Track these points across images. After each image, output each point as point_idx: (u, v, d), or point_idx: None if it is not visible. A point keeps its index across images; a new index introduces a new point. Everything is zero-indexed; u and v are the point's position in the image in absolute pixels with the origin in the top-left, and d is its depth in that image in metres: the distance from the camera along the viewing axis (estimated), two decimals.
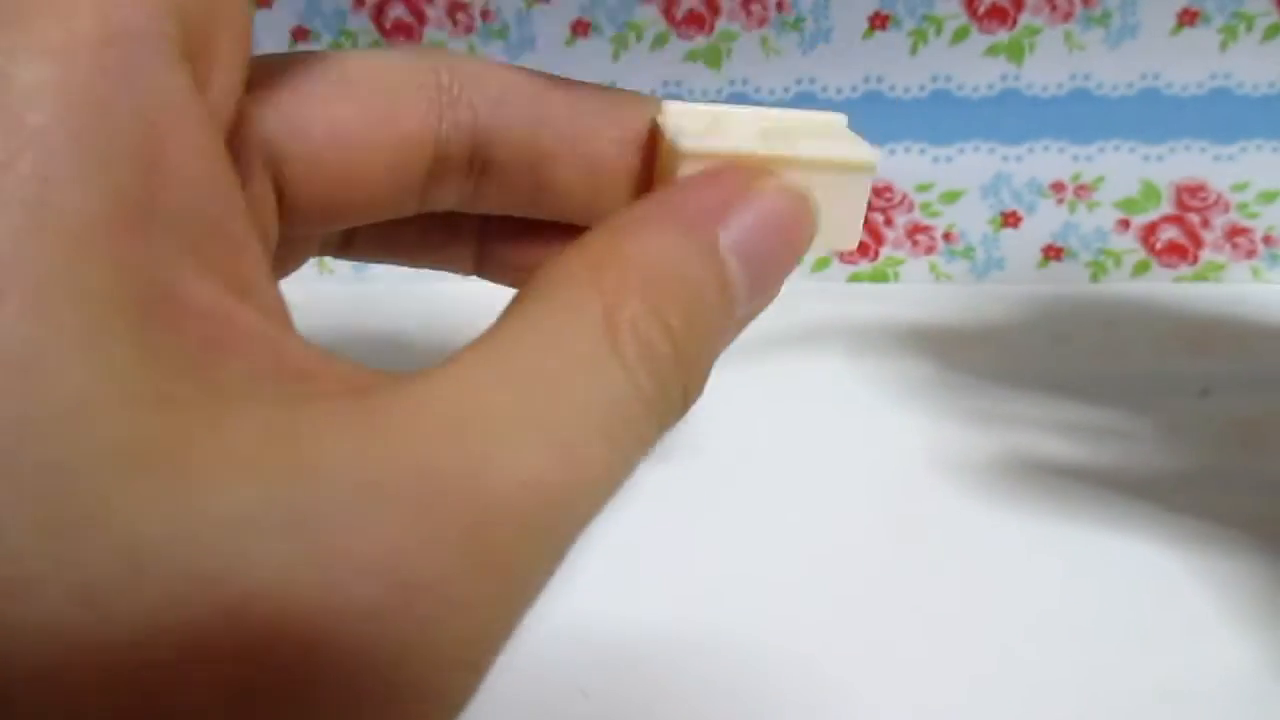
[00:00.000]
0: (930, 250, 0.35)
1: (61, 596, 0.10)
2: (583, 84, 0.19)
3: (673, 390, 0.15)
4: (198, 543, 0.11)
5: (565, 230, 0.20)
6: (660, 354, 0.14)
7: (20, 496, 0.10)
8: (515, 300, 0.15)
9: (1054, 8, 0.31)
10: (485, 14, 0.32)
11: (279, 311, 0.13)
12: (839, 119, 0.19)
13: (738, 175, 0.17)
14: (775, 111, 0.19)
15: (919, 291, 0.34)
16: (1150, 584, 0.25)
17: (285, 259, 0.20)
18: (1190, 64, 0.32)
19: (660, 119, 0.18)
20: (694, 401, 0.15)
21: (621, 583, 0.25)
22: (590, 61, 0.33)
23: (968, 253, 0.35)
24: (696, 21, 0.32)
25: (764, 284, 0.17)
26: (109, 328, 0.11)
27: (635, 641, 0.24)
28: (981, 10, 0.31)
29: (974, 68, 0.32)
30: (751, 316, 0.17)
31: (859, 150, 0.18)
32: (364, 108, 0.18)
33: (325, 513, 0.11)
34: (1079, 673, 0.23)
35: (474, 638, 0.12)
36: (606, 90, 0.19)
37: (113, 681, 0.11)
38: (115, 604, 0.11)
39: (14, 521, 0.10)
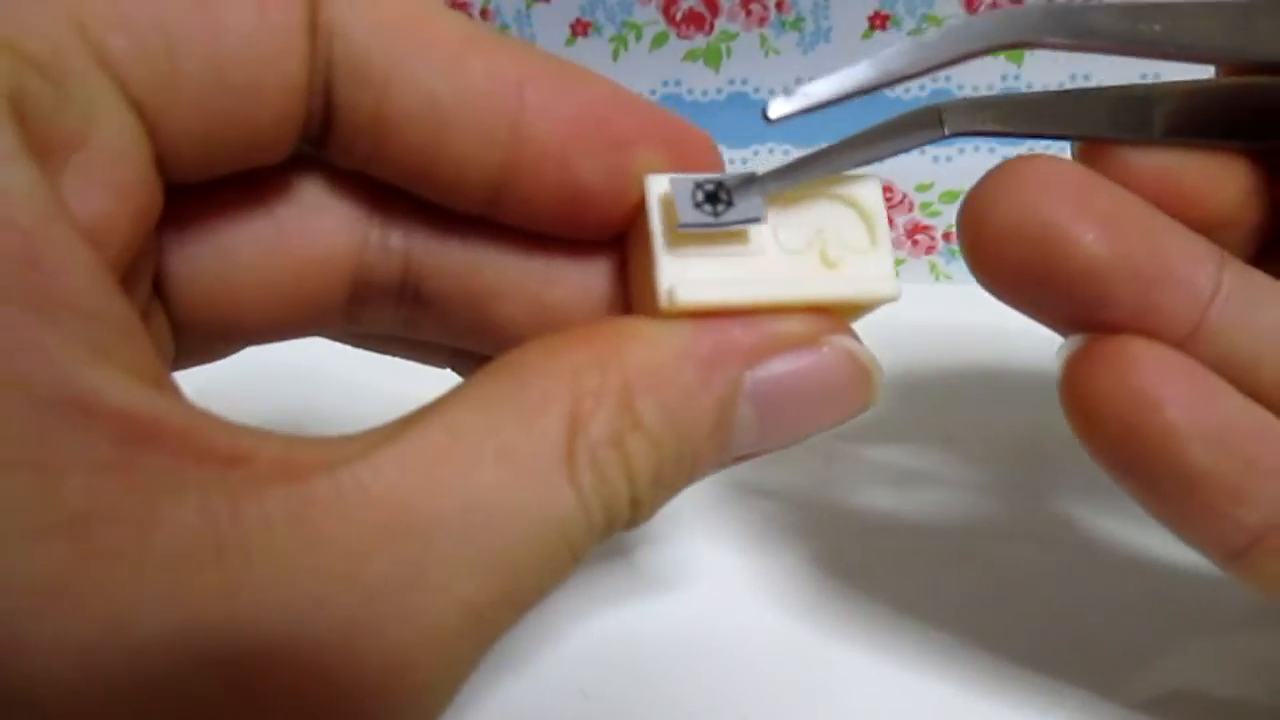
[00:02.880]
0: (930, 250, 0.35)
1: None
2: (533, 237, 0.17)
3: (620, 518, 0.14)
4: (100, 694, 0.10)
5: None
6: (617, 491, 0.13)
7: None
8: (484, 372, 0.14)
9: None
10: (484, 13, 0.32)
11: (189, 401, 0.12)
12: (870, 187, 0.17)
13: (803, 322, 0.15)
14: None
15: (919, 291, 0.34)
16: (1150, 579, 0.25)
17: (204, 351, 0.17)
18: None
19: (648, 196, 0.15)
20: (640, 525, 0.14)
21: (619, 583, 0.25)
22: (590, 61, 0.32)
23: None
24: (696, 21, 0.32)
25: (779, 437, 0.15)
26: (7, 461, 0.10)
27: (635, 641, 0.24)
28: (981, 10, 0.31)
29: (974, 68, 0.32)
30: (757, 456, 0.15)
31: (878, 282, 0.15)
32: (266, 223, 0.16)
33: (251, 636, 0.11)
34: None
35: None
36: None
37: None
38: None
39: None
